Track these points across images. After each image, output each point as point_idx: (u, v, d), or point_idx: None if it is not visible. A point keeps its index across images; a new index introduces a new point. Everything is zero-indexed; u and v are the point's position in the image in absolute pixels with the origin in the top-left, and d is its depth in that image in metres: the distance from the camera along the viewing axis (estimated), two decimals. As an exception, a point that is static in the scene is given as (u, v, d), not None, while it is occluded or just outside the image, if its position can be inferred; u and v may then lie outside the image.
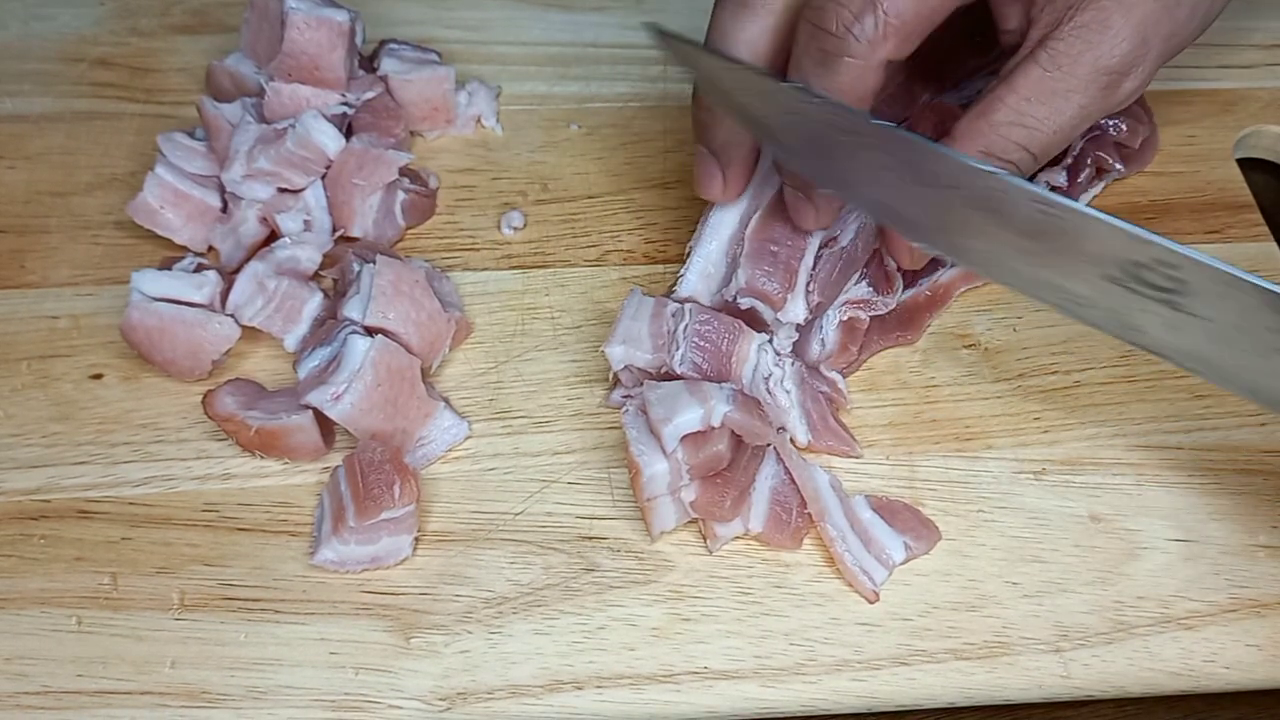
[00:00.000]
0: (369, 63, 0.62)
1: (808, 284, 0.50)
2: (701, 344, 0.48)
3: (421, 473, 0.50)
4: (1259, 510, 0.50)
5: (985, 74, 0.58)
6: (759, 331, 0.50)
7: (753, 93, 0.48)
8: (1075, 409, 0.53)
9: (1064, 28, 0.46)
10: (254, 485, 0.50)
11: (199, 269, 0.54)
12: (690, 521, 0.48)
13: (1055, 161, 0.57)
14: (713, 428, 0.45)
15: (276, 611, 0.47)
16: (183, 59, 0.67)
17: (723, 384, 0.47)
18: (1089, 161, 0.58)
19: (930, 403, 0.53)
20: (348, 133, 0.59)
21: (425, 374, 0.52)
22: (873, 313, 0.52)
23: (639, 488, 0.46)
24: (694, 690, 0.45)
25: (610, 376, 0.52)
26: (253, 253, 0.56)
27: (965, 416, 0.53)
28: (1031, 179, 0.54)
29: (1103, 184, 0.60)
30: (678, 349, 0.48)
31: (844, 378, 0.53)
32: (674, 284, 0.52)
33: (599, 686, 0.45)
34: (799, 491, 0.48)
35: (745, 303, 0.49)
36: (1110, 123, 0.58)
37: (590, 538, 0.49)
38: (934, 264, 0.55)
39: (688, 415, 0.45)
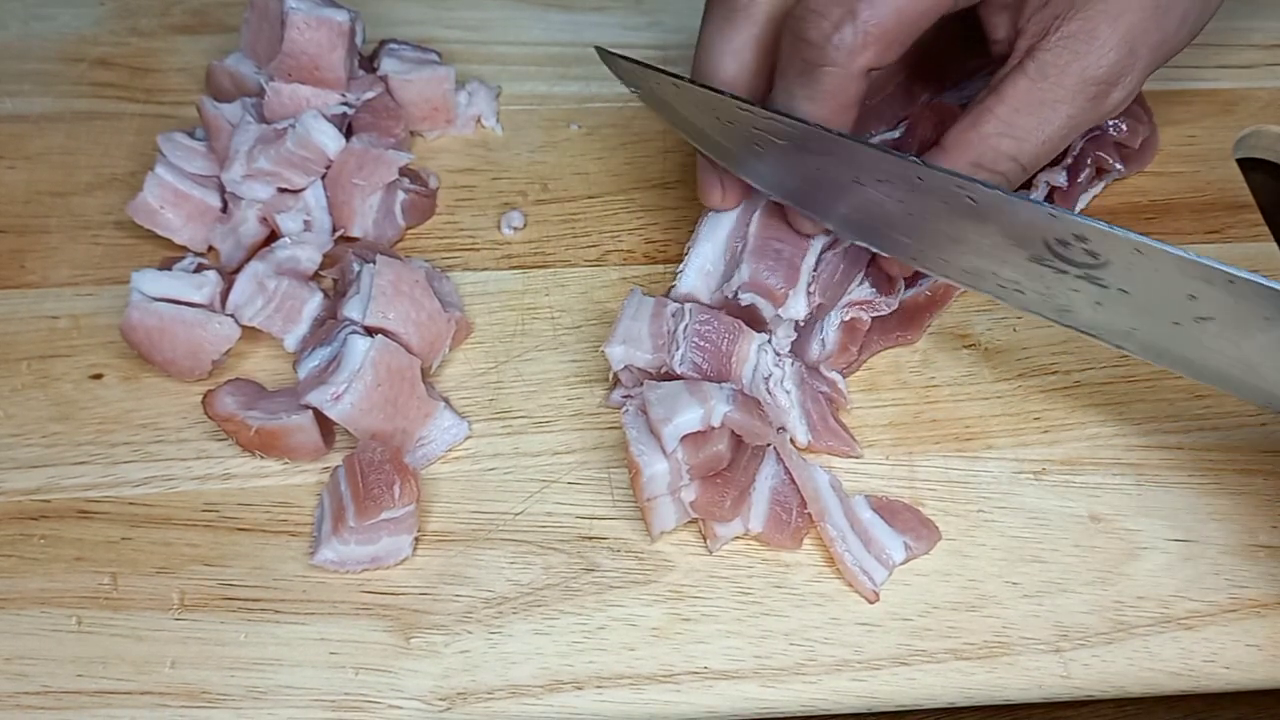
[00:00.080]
0: (369, 63, 0.62)
1: (809, 283, 0.50)
2: (701, 344, 0.48)
3: (421, 473, 0.50)
4: (1259, 510, 0.50)
5: (985, 74, 0.58)
6: (758, 331, 0.50)
7: (697, 107, 0.49)
8: (1075, 409, 0.53)
9: (1050, 38, 0.46)
10: (254, 485, 0.50)
11: (199, 269, 0.54)
12: (690, 521, 0.48)
13: (1055, 161, 0.57)
14: (713, 428, 0.45)
15: (276, 611, 0.47)
16: (183, 59, 0.67)
17: (723, 384, 0.47)
18: (1089, 161, 0.58)
19: (930, 403, 0.53)
20: (348, 133, 0.59)
21: (425, 374, 0.52)
22: (875, 313, 0.52)
23: (639, 488, 0.46)
24: (694, 690, 0.45)
25: (610, 376, 0.52)
26: (253, 253, 0.56)
27: (965, 416, 0.53)
28: (1031, 180, 0.55)
29: (1103, 184, 0.60)
30: (678, 349, 0.48)
31: (844, 378, 0.53)
32: (674, 283, 0.52)
33: (599, 686, 0.45)
34: (799, 491, 0.48)
35: (746, 299, 0.49)
36: (1110, 123, 0.58)
37: (590, 538, 0.49)
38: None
39: (688, 415, 0.45)
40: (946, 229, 0.46)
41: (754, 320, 0.50)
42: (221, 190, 0.57)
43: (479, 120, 0.64)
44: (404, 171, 0.58)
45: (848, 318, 0.52)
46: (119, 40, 0.68)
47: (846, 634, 0.46)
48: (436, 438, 0.51)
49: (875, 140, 0.55)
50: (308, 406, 0.49)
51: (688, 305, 0.49)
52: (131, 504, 0.50)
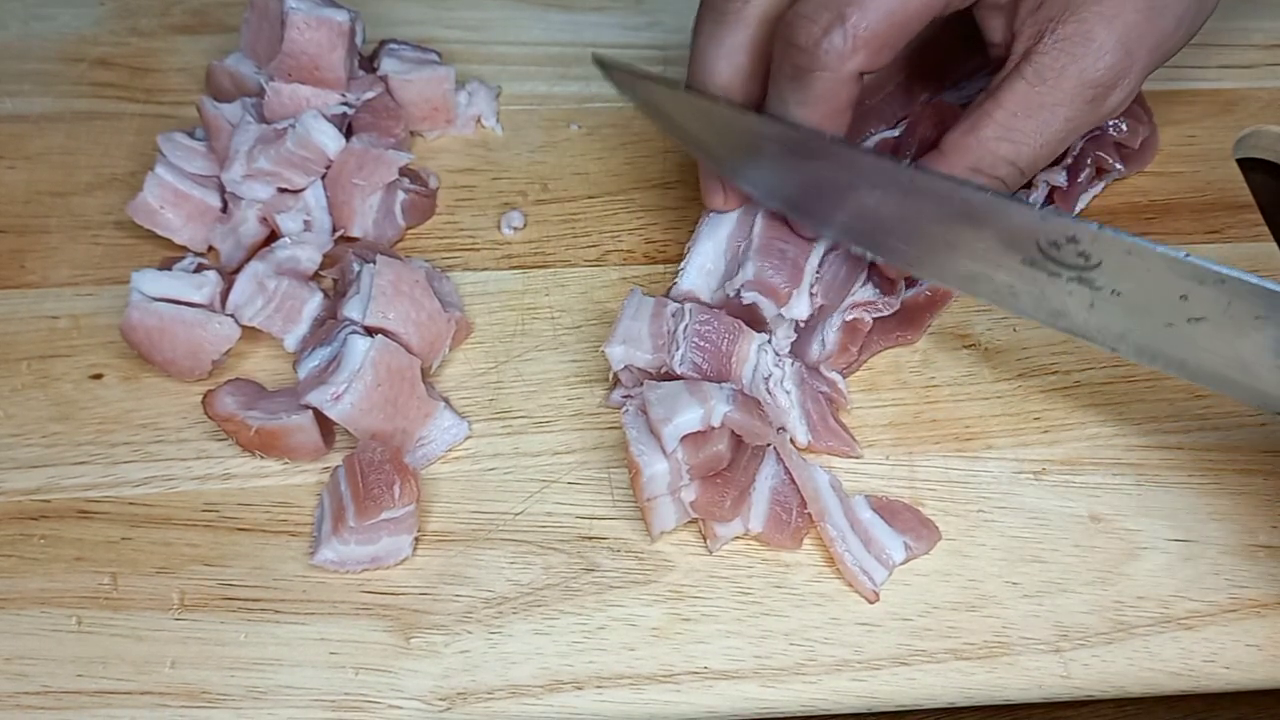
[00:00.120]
0: (369, 63, 0.62)
1: (812, 284, 0.50)
2: (701, 344, 0.48)
3: (421, 473, 0.50)
4: (1259, 510, 0.50)
5: (985, 73, 0.58)
6: (758, 331, 0.50)
7: (691, 115, 0.50)
8: (1075, 409, 0.53)
9: (1046, 41, 0.46)
10: (254, 485, 0.50)
11: (199, 269, 0.54)
12: (690, 521, 0.48)
13: (1055, 161, 0.57)
14: (713, 428, 0.45)
15: (276, 611, 0.47)
16: (183, 59, 0.67)
17: (723, 384, 0.47)
18: (1089, 161, 0.58)
19: (930, 403, 0.53)
20: (348, 133, 0.59)
21: (425, 374, 0.52)
22: (877, 314, 0.52)
23: (639, 488, 0.46)
24: (694, 690, 0.45)
25: (610, 376, 0.52)
26: (253, 253, 0.56)
27: (965, 416, 0.53)
28: (1031, 180, 0.55)
29: (1103, 184, 0.60)
30: (678, 349, 0.48)
31: (844, 378, 0.53)
32: (675, 280, 0.52)
33: (599, 686, 0.45)
34: (799, 491, 0.48)
35: (749, 297, 0.49)
36: (1110, 123, 0.58)
37: (590, 538, 0.49)
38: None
39: (688, 415, 0.45)
40: (941, 234, 0.46)
41: (754, 320, 0.50)
42: (221, 190, 0.57)
43: (479, 120, 0.64)
44: (404, 171, 0.58)
45: (849, 318, 0.52)
46: (119, 40, 0.68)
47: (846, 634, 0.46)
48: (436, 438, 0.51)
49: (875, 139, 0.56)
50: (308, 406, 0.49)
51: (688, 305, 0.49)
52: (131, 504, 0.50)
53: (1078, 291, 0.44)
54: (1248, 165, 0.63)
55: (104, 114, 0.64)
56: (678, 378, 0.48)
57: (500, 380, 0.54)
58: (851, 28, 0.44)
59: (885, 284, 0.53)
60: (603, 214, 0.60)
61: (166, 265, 0.54)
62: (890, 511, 0.49)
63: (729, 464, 0.46)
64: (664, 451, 0.45)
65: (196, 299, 0.52)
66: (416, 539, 0.48)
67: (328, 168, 0.57)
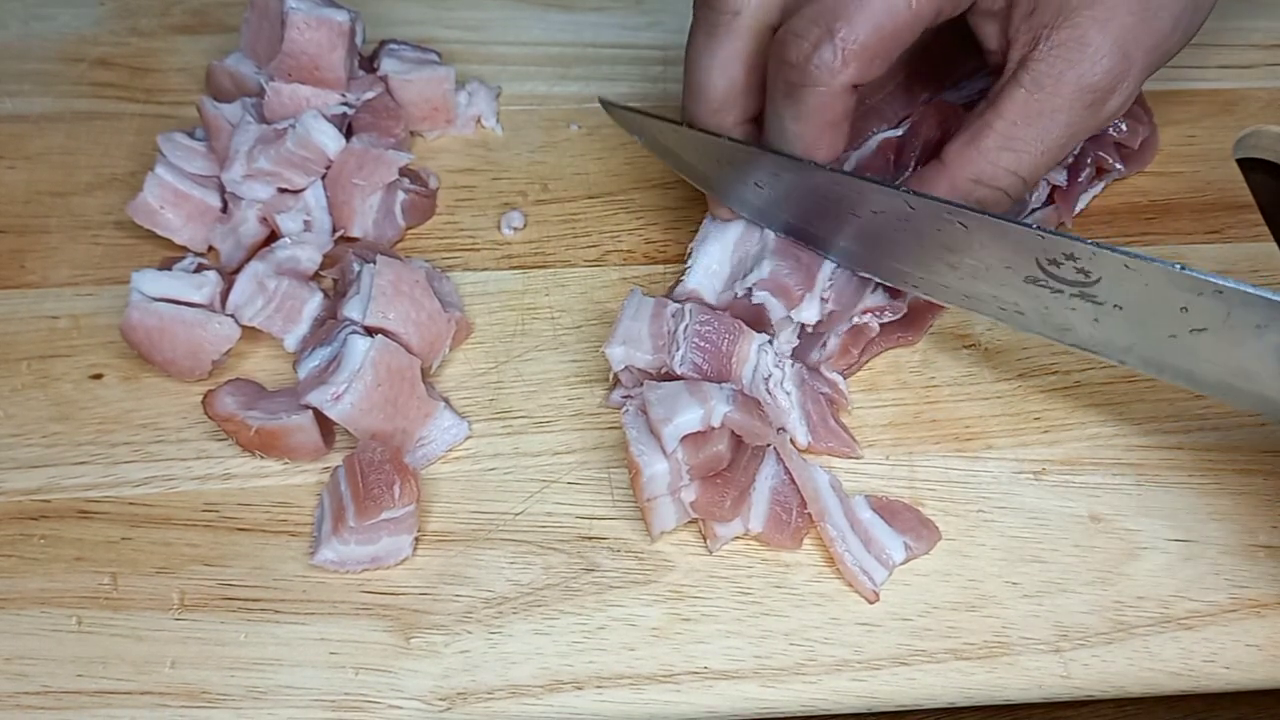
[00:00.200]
0: (369, 63, 0.62)
1: (824, 290, 0.50)
2: (701, 344, 0.48)
3: (421, 473, 0.50)
4: (1259, 510, 0.50)
5: (985, 73, 0.58)
6: (759, 333, 0.50)
7: (693, 150, 0.51)
8: (1075, 409, 0.53)
9: (1042, 48, 0.46)
10: (254, 485, 0.50)
11: (199, 269, 0.54)
12: (690, 521, 0.48)
13: (1067, 153, 0.57)
14: (713, 428, 0.45)
15: (276, 611, 0.47)
16: (183, 59, 0.67)
17: (723, 384, 0.47)
18: (1089, 161, 0.58)
19: (930, 403, 0.53)
20: (348, 133, 0.59)
21: (425, 374, 0.52)
22: (885, 319, 0.53)
23: (639, 488, 0.46)
24: (694, 690, 0.45)
25: (610, 377, 0.52)
26: (253, 253, 0.56)
27: (965, 416, 0.53)
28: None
29: (1103, 184, 0.60)
30: (678, 349, 0.48)
31: (845, 379, 0.53)
32: (676, 281, 0.52)
33: (599, 686, 0.45)
34: (799, 491, 0.48)
35: (760, 297, 0.49)
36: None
37: (590, 538, 0.49)
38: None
39: (688, 415, 0.45)
40: (942, 256, 0.47)
41: (757, 322, 0.50)
42: (221, 190, 0.57)
43: (479, 120, 0.64)
44: (404, 171, 0.58)
45: (856, 322, 0.52)
46: (119, 40, 0.68)
47: (846, 634, 0.46)
48: (436, 438, 0.51)
49: (878, 138, 0.56)
50: (308, 406, 0.49)
51: (688, 306, 0.49)
52: (131, 504, 0.50)
53: (1081, 307, 0.45)
54: (1248, 165, 0.63)
55: (104, 114, 0.64)
56: (678, 378, 0.48)
57: (500, 380, 0.54)
58: (840, 42, 0.45)
59: (892, 289, 0.53)
60: (603, 214, 0.60)
61: (166, 265, 0.54)
62: (890, 511, 0.49)
63: (729, 464, 0.46)
64: (664, 451, 0.45)
65: (196, 299, 0.52)
66: (416, 539, 0.48)
67: (328, 168, 0.57)
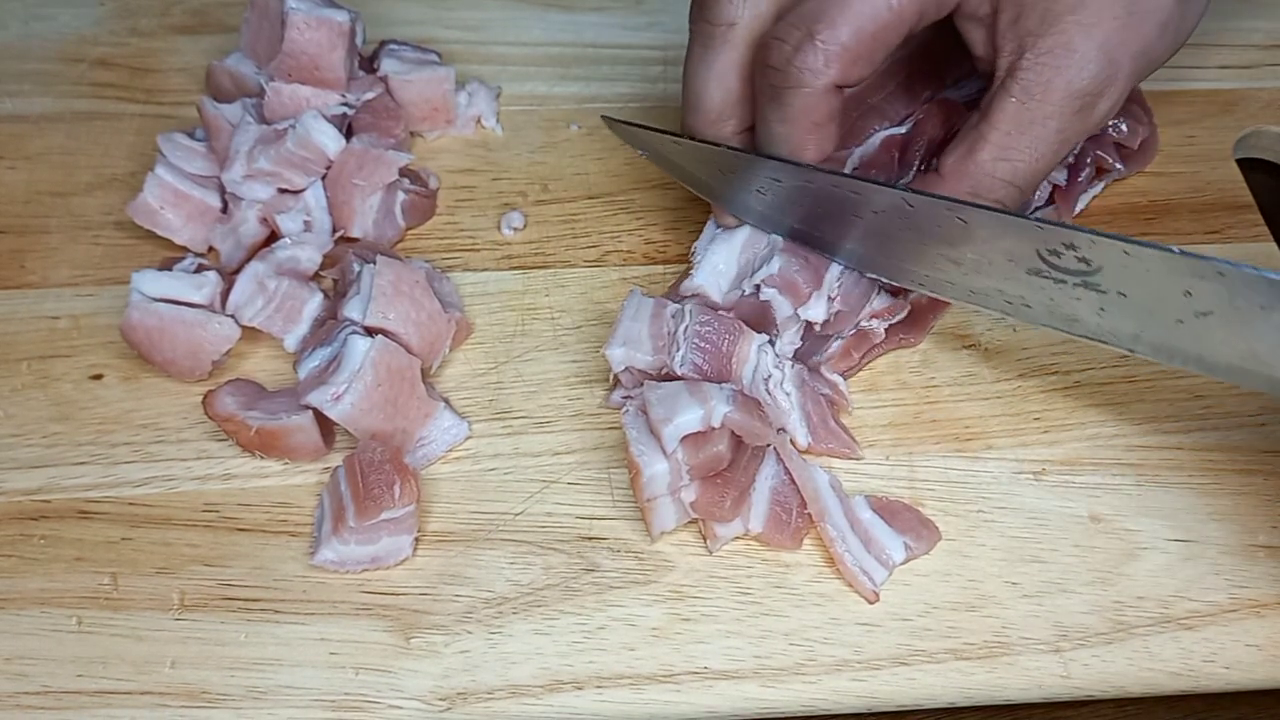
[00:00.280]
0: (369, 63, 0.62)
1: (832, 292, 0.50)
2: (701, 345, 0.48)
3: (422, 473, 0.50)
4: (1259, 510, 0.50)
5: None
6: (761, 333, 0.50)
7: (697, 160, 0.51)
8: (1075, 409, 0.53)
9: (1029, 56, 0.47)
10: (254, 485, 0.50)
11: (199, 269, 0.54)
12: (690, 522, 0.48)
13: (1060, 160, 0.57)
14: (713, 428, 0.45)
15: (276, 611, 0.47)
16: (183, 59, 0.67)
17: (723, 385, 0.47)
18: (1089, 161, 0.58)
19: (930, 403, 0.53)
20: (348, 133, 0.59)
21: (425, 374, 0.52)
22: (889, 322, 0.53)
23: (639, 488, 0.46)
24: (694, 690, 0.45)
25: (610, 377, 0.52)
26: (253, 253, 0.56)
27: (965, 416, 0.53)
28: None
29: (1103, 184, 0.60)
30: (678, 350, 0.48)
31: (845, 380, 0.53)
32: (679, 279, 0.52)
33: (599, 686, 0.45)
34: (799, 492, 0.48)
35: (768, 294, 0.49)
36: (1110, 123, 0.58)
37: (590, 538, 0.49)
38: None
39: (688, 416, 0.45)
40: (945, 253, 0.47)
41: (761, 323, 0.50)
42: (221, 190, 0.57)
43: (479, 121, 0.64)
44: (404, 172, 0.58)
45: (862, 327, 0.52)
46: (119, 40, 0.68)
47: (846, 634, 0.46)
48: (437, 438, 0.51)
49: (881, 136, 0.56)
50: (308, 407, 0.49)
51: (688, 306, 0.49)
52: (132, 504, 0.50)
53: (1085, 297, 0.45)
54: (1248, 165, 0.63)
55: (104, 114, 0.64)
56: (678, 378, 0.48)
57: (500, 381, 0.54)
58: (822, 44, 0.45)
59: (893, 289, 0.53)
60: (603, 214, 0.60)
61: (167, 265, 0.54)
62: (890, 512, 0.49)
63: (729, 464, 0.46)
64: (664, 452, 0.45)
65: (196, 299, 0.52)
66: (416, 539, 0.48)
67: (328, 168, 0.57)
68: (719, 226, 0.53)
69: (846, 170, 0.55)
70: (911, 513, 0.49)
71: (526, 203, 0.61)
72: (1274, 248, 0.59)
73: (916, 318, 0.55)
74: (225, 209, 0.57)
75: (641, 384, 0.48)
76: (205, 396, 0.50)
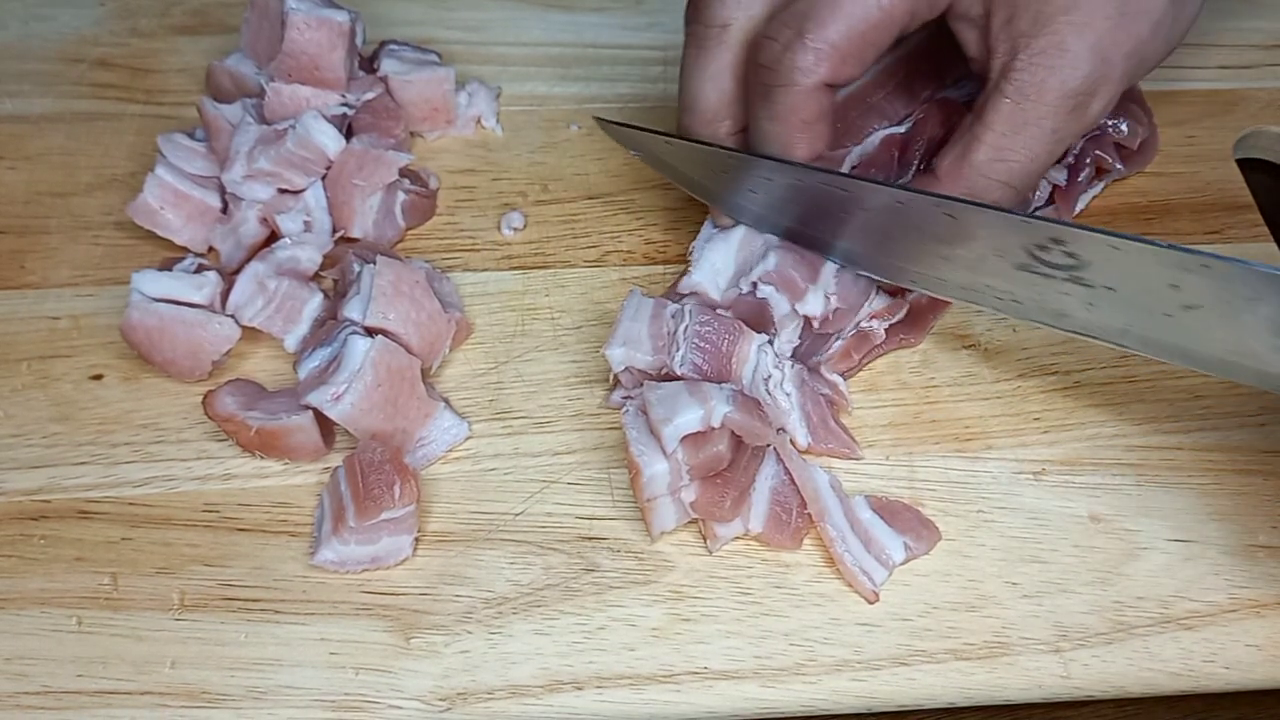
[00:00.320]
0: (369, 63, 0.62)
1: (828, 287, 0.50)
2: (701, 345, 0.48)
3: (422, 473, 0.50)
4: (1258, 510, 0.50)
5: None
6: (760, 333, 0.50)
7: (689, 161, 0.52)
8: (1075, 409, 0.53)
9: (1021, 56, 0.47)
10: (254, 485, 0.50)
11: (199, 269, 0.54)
12: (690, 522, 0.48)
13: (1056, 160, 0.57)
14: (713, 428, 0.45)
15: (276, 612, 0.47)
16: (183, 59, 0.67)
17: (723, 385, 0.47)
18: (1089, 161, 0.58)
19: (930, 403, 0.53)
20: (348, 133, 0.59)
21: (425, 374, 0.52)
22: (890, 322, 0.53)
23: (639, 488, 0.46)
24: (694, 690, 0.45)
25: (610, 377, 0.52)
26: (253, 253, 0.56)
27: (965, 416, 0.53)
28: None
29: (1103, 184, 0.60)
30: (678, 350, 0.48)
31: (845, 380, 0.53)
32: (678, 279, 0.52)
33: (599, 686, 0.45)
34: (799, 492, 0.48)
35: (764, 291, 0.49)
36: (1110, 123, 0.58)
37: (590, 538, 0.49)
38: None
39: (688, 416, 0.45)
40: (936, 250, 0.47)
41: (759, 321, 0.50)
42: (222, 191, 0.57)
43: (479, 121, 0.64)
44: (404, 172, 0.58)
45: (862, 328, 0.52)
46: (119, 41, 0.68)
47: (846, 634, 0.46)
48: (437, 438, 0.51)
49: (881, 134, 0.56)
50: (308, 407, 0.49)
51: (688, 306, 0.49)
52: (132, 504, 0.50)
53: (1074, 291, 0.45)
54: (1247, 165, 0.63)
55: (104, 115, 0.64)
56: (678, 378, 0.48)
57: (500, 381, 0.54)
58: (811, 42, 0.46)
59: (891, 289, 0.53)
60: (603, 215, 0.60)
61: (167, 266, 0.54)
62: (890, 512, 0.49)
63: (729, 464, 0.46)
64: (664, 452, 0.45)
65: (197, 299, 0.52)
66: (416, 539, 0.48)
67: (328, 168, 0.57)
68: (716, 226, 0.53)
69: (844, 169, 0.55)
70: (911, 513, 0.49)
71: (526, 203, 0.61)
72: (1274, 248, 0.59)
73: (916, 318, 0.55)
74: (225, 209, 0.57)
75: (641, 384, 0.48)
76: (205, 397, 0.50)
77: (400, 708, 0.45)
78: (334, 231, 0.57)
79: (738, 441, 0.46)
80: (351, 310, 0.51)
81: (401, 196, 0.58)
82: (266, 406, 0.50)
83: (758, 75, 0.48)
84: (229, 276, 0.54)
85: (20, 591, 0.47)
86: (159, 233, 0.56)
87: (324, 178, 0.57)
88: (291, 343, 0.54)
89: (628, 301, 0.50)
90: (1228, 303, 0.42)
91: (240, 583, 0.48)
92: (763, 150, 0.49)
